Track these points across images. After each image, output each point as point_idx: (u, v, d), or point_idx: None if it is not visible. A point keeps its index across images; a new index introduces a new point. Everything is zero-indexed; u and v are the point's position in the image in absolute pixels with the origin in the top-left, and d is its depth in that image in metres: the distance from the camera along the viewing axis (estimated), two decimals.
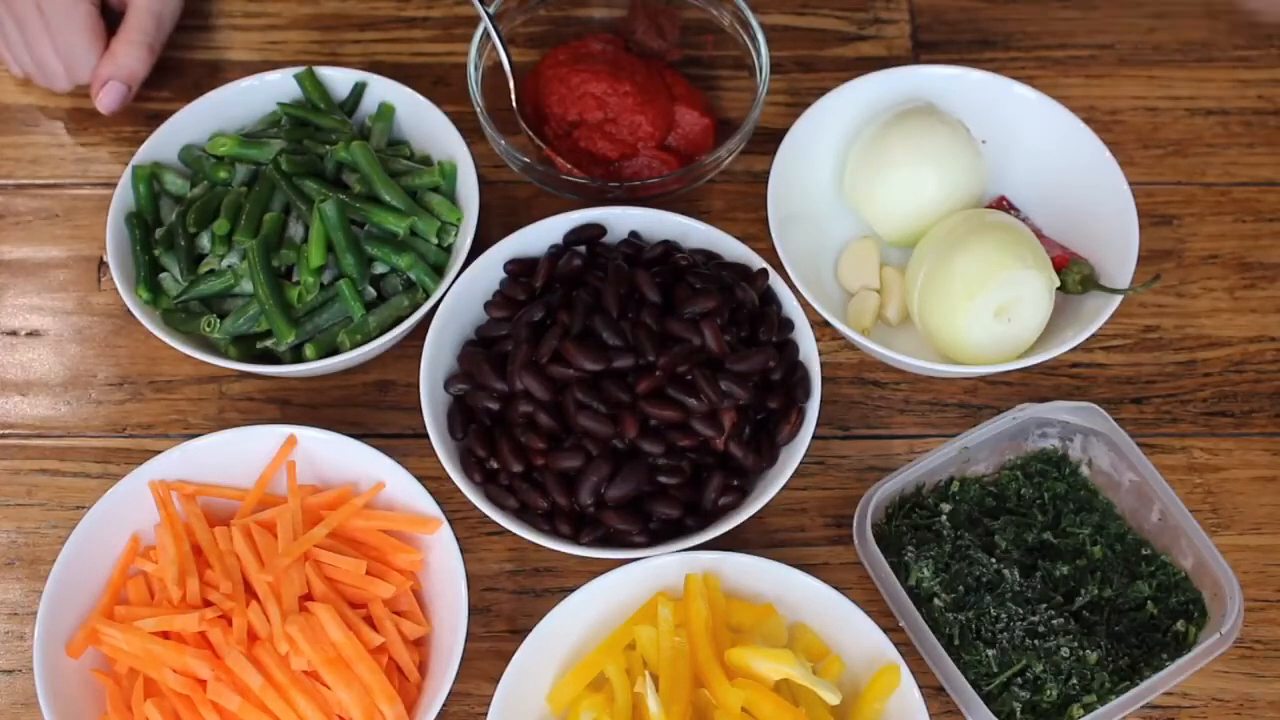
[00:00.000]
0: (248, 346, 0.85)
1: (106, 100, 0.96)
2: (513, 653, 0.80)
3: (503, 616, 0.81)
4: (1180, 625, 0.78)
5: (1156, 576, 0.80)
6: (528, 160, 0.92)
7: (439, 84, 0.99)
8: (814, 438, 0.79)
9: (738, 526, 0.77)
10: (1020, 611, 0.77)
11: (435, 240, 0.87)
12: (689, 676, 0.72)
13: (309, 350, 0.84)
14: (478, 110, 0.92)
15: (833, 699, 0.71)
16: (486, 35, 0.94)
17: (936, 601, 0.78)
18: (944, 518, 0.81)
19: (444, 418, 0.81)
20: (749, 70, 0.96)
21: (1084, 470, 0.84)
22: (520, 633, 0.81)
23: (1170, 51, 1.03)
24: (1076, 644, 0.76)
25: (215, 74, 1.01)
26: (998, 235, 0.83)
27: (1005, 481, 0.83)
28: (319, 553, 0.76)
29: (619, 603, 0.76)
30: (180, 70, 1.02)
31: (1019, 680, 0.76)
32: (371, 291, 0.86)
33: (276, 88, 0.94)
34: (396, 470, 0.79)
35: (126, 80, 0.96)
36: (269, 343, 0.85)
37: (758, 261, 0.85)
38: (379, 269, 0.86)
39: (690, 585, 0.74)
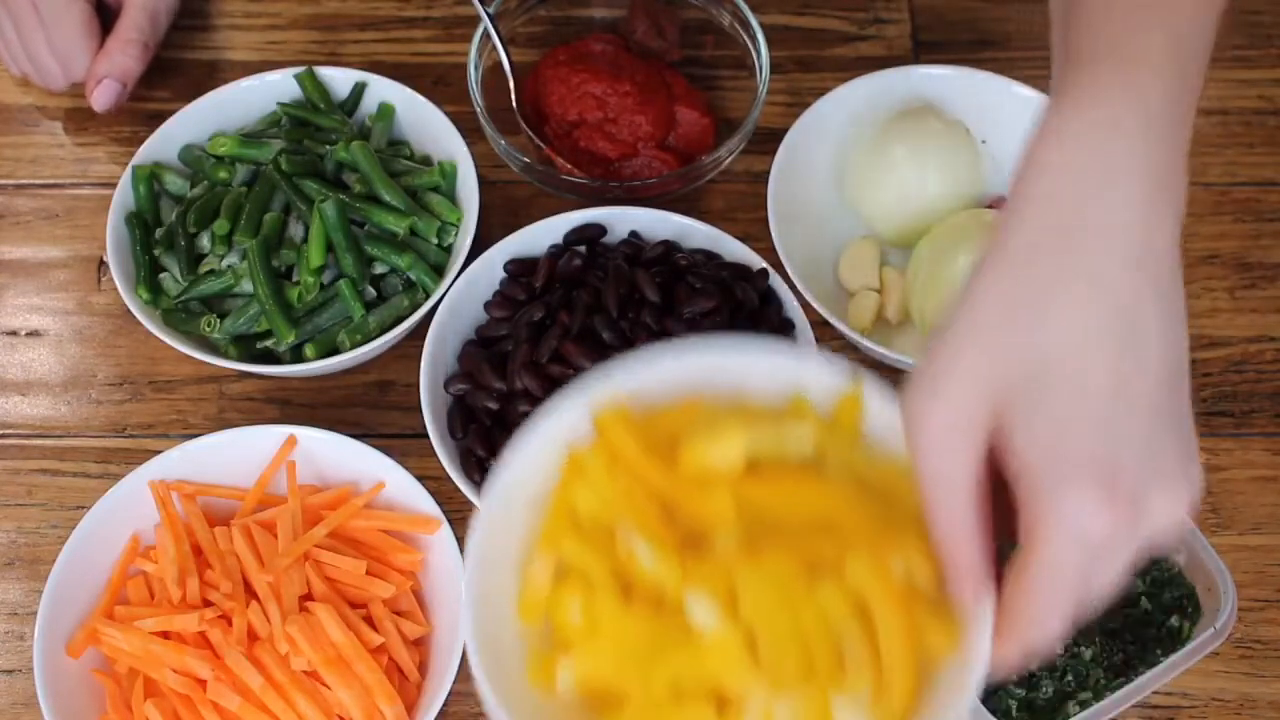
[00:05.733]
0: (248, 346, 0.85)
1: (101, 98, 0.95)
2: None
3: None
4: (1174, 620, 0.78)
5: (1150, 572, 0.80)
6: (528, 160, 0.92)
7: (439, 84, 0.99)
8: None
9: None
10: None
11: (435, 240, 0.87)
12: (657, 510, 0.58)
13: (309, 350, 0.84)
14: (478, 110, 0.92)
15: (804, 439, 0.58)
16: (486, 35, 0.94)
17: None
18: None
19: (444, 418, 0.81)
20: (749, 70, 0.96)
21: None
22: None
23: None
24: (1071, 641, 0.76)
25: (215, 74, 1.01)
26: None
27: None
28: (319, 553, 0.77)
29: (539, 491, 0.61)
30: (180, 70, 1.02)
31: (1014, 678, 0.76)
32: (371, 291, 0.86)
33: (276, 88, 0.94)
34: (396, 470, 0.79)
35: (121, 78, 0.95)
36: (269, 343, 0.85)
37: (758, 261, 0.85)
38: (379, 269, 0.86)
39: (600, 424, 0.60)
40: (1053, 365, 0.47)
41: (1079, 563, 0.47)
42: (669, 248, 0.85)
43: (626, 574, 0.56)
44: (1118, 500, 0.46)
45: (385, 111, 0.93)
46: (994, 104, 0.92)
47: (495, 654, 0.56)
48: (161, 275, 0.87)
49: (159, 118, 0.92)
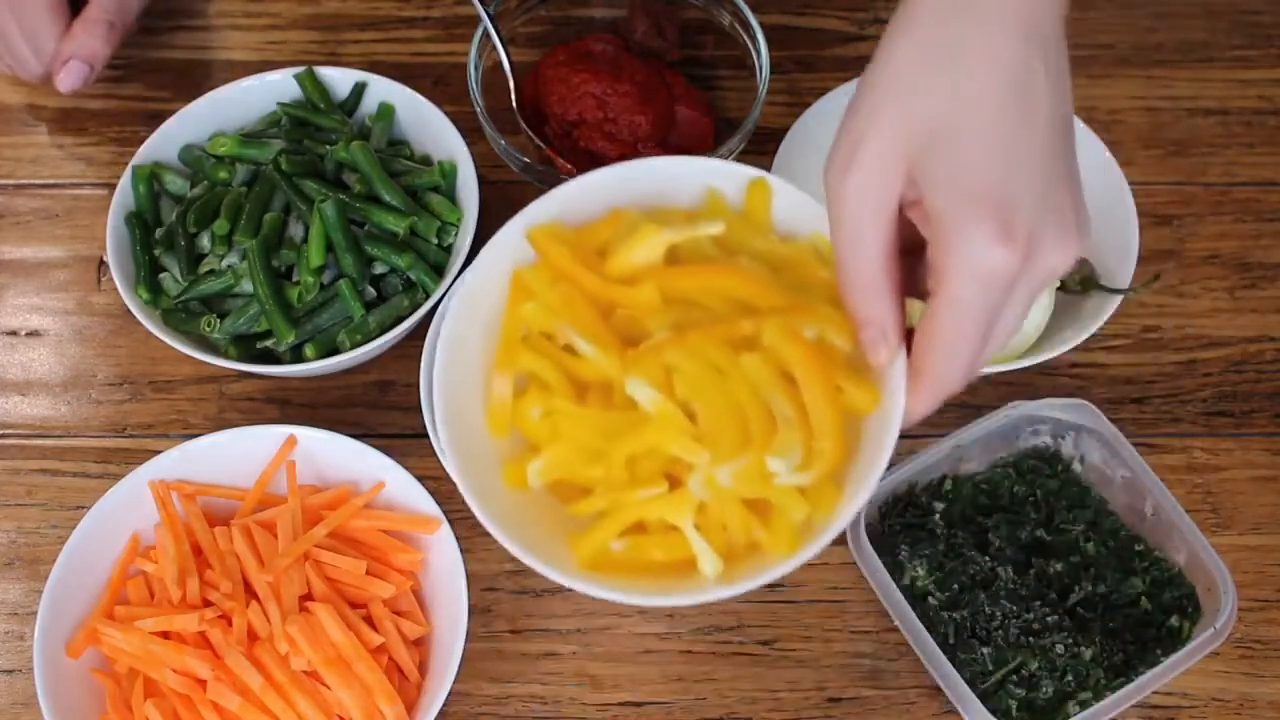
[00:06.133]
0: (248, 346, 0.85)
1: (66, 80, 0.93)
2: (513, 653, 0.80)
3: (503, 616, 0.82)
4: (1174, 620, 0.78)
5: (1150, 572, 0.80)
6: (528, 160, 0.92)
7: (439, 84, 0.99)
8: None
9: None
10: (1015, 609, 0.77)
11: (435, 240, 0.87)
12: (595, 312, 0.63)
13: (309, 350, 0.84)
14: (478, 110, 0.92)
15: (714, 228, 0.63)
16: (486, 35, 0.94)
17: (931, 600, 0.78)
18: (937, 516, 0.81)
19: None
20: (749, 70, 0.96)
21: (1076, 467, 0.84)
22: (520, 632, 0.81)
23: (1170, 51, 1.03)
24: (1071, 641, 0.76)
25: (215, 74, 1.01)
26: None
27: (998, 479, 0.83)
28: (319, 553, 0.77)
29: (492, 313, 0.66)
30: (180, 70, 1.02)
31: (1014, 678, 0.76)
32: (371, 291, 0.86)
33: (276, 88, 0.94)
34: (396, 470, 0.79)
35: (88, 59, 0.94)
36: (269, 343, 0.85)
37: None
38: (379, 269, 0.86)
39: (536, 243, 0.65)
40: (954, 123, 0.53)
41: (982, 298, 0.53)
42: None
43: (578, 376, 0.62)
44: (1014, 236, 0.52)
45: (385, 111, 0.93)
46: None
47: (472, 466, 0.62)
48: (161, 275, 0.87)
49: (159, 118, 0.92)
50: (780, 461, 0.57)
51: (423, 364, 0.81)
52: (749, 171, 0.64)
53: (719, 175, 0.65)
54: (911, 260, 0.57)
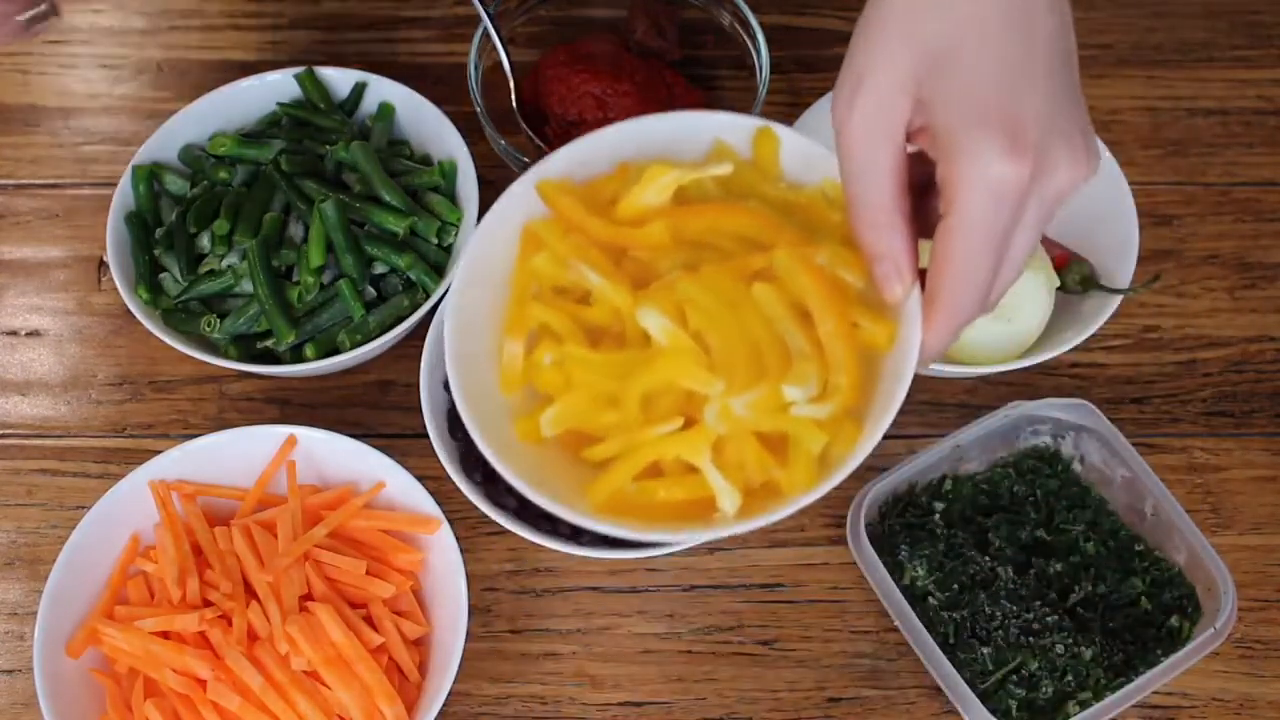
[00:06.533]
0: (248, 346, 0.85)
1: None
2: (513, 653, 0.80)
3: (503, 616, 0.82)
4: (1174, 620, 0.78)
5: (1150, 572, 0.80)
6: (528, 160, 0.91)
7: (439, 84, 0.99)
8: None
9: None
10: (1015, 609, 0.77)
11: (435, 240, 0.87)
12: (606, 258, 0.62)
13: (309, 350, 0.84)
14: (478, 110, 0.92)
15: (723, 169, 0.63)
16: (486, 35, 0.94)
17: (931, 600, 0.78)
18: (937, 516, 0.81)
19: (444, 418, 0.81)
20: (749, 70, 0.96)
21: (1076, 467, 0.84)
22: (520, 632, 0.81)
23: (1170, 51, 1.03)
24: (1071, 641, 0.76)
25: (215, 74, 1.01)
26: None
27: (998, 479, 0.83)
28: (319, 553, 0.77)
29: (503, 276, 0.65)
30: (180, 70, 1.02)
31: (1014, 678, 0.76)
32: (371, 291, 0.86)
33: (276, 88, 0.94)
34: (396, 470, 0.79)
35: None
36: (269, 343, 0.85)
37: None
38: (379, 269, 0.86)
39: (545, 196, 0.64)
40: (958, 45, 0.53)
41: (993, 213, 0.52)
42: None
43: (590, 325, 0.61)
44: (1023, 149, 0.51)
45: (385, 111, 0.93)
46: None
47: (488, 423, 0.61)
48: (161, 275, 0.87)
49: (159, 118, 0.92)
50: (797, 389, 0.56)
51: (423, 363, 0.81)
52: (756, 122, 0.64)
53: (726, 128, 0.64)
54: (922, 201, 0.56)
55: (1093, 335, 0.83)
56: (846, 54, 0.56)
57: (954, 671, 0.74)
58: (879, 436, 0.56)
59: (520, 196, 0.64)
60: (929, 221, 0.55)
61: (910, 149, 0.55)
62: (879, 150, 0.54)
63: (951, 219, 0.53)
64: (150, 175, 0.90)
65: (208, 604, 0.75)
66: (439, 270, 0.87)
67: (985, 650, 0.76)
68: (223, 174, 0.89)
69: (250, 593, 0.76)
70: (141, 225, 0.88)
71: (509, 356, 0.62)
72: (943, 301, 0.54)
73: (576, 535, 0.78)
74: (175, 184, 0.90)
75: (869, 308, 0.58)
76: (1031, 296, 0.82)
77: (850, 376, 0.57)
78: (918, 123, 0.54)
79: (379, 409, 0.89)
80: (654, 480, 0.59)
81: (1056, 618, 0.77)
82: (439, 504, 0.78)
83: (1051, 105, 0.53)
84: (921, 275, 0.56)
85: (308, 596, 0.76)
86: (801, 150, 0.63)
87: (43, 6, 0.85)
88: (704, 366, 0.57)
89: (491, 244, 0.64)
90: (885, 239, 0.55)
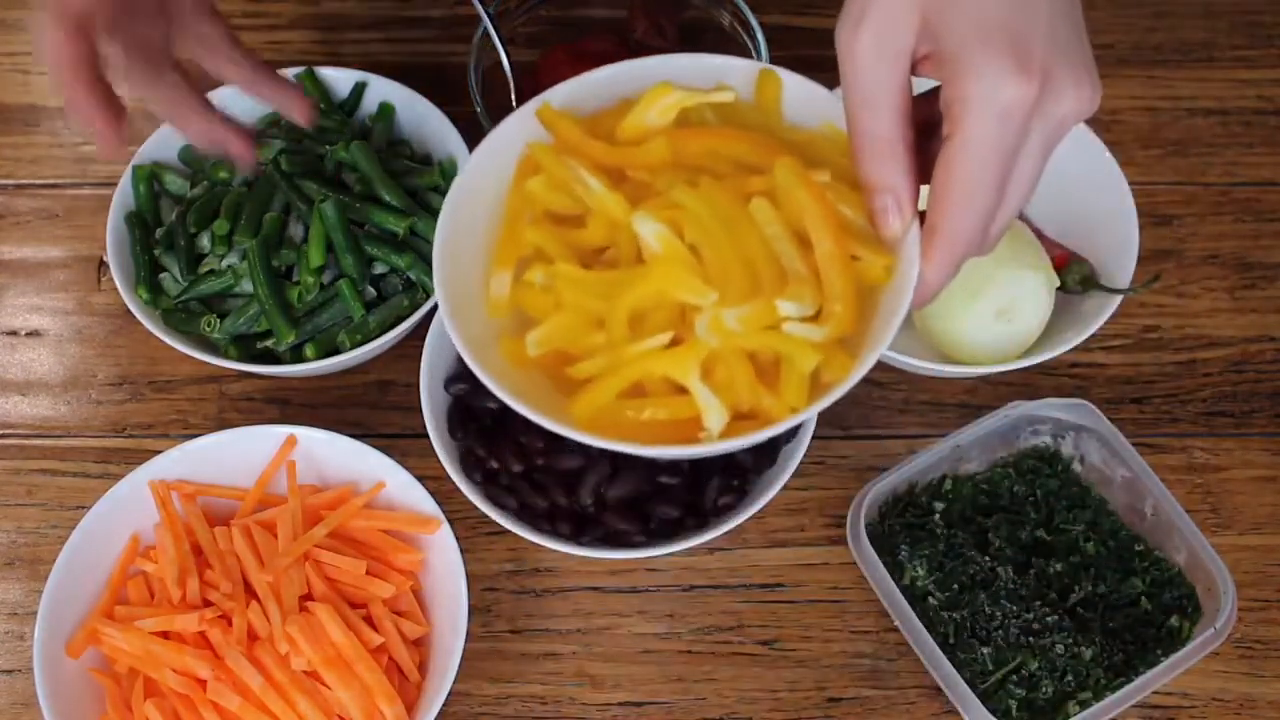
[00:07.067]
0: (248, 346, 0.85)
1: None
2: (513, 653, 0.80)
3: (503, 616, 0.82)
4: (1174, 620, 0.78)
5: (1150, 572, 0.80)
6: None
7: (439, 84, 0.99)
8: (814, 438, 0.79)
9: (737, 526, 0.78)
10: (1015, 609, 0.77)
11: None
12: (605, 177, 0.61)
13: (309, 350, 0.84)
14: (478, 110, 0.92)
15: (725, 95, 0.62)
16: (486, 35, 0.94)
17: (931, 600, 0.78)
18: (937, 516, 0.81)
19: (444, 418, 0.81)
20: None
21: (1076, 467, 0.84)
22: (520, 632, 0.81)
23: (1170, 51, 1.03)
24: (1071, 641, 0.76)
25: None
26: None
27: (998, 479, 0.83)
28: (319, 553, 0.77)
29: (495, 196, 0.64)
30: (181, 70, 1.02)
31: (1014, 678, 0.76)
32: (371, 291, 0.86)
33: None
34: (396, 470, 0.79)
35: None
36: (269, 343, 0.85)
37: None
38: (379, 269, 0.86)
39: (545, 120, 0.63)
40: None
41: (998, 133, 0.51)
42: None
43: (583, 247, 0.60)
44: (1030, 70, 0.51)
45: (385, 111, 0.93)
46: None
47: (477, 346, 0.60)
48: (161, 275, 0.87)
49: (159, 118, 0.92)
50: (791, 306, 0.55)
51: (423, 363, 0.81)
52: (759, 65, 0.63)
53: (730, 71, 0.63)
54: (922, 144, 0.55)
55: (1093, 335, 0.83)
56: None
57: (954, 671, 0.74)
58: (870, 365, 0.55)
59: (515, 128, 0.63)
60: (928, 164, 0.55)
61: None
62: (885, 74, 0.53)
63: (955, 140, 0.52)
64: (150, 175, 0.90)
65: (208, 604, 0.75)
66: None
67: (985, 650, 0.76)
68: (223, 174, 0.89)
69: (250, 593, 0.76)
70: (141, 225, 0.88)
71: (498, 280, 0.62)
72: (943, 230, 0.54)
73: (576, 535, 0.78)
74: (175, 184, 0.90)
75: (867, 242, 0.57)
76: (1031, 296, 0.82)
77: (845, 304, 0.56)
78: (923, 49, 0.53)
79: (379, 409, 0.89)
80: (639, 399, 0.58)
81: (1056, 618, 0.77)
82: (439, 504, 0.78)
83: (1058, 31, 0.52)
84: (920, 218, 0.55)
85: (308, 596, 0.76)
86: (804, 93, 0.62)
87: (233, 148, 0.79)
88: (698, 276, 0.56)
89: (483, 174, 0.63)
90: (888, 170, 0.54)
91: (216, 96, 0.93)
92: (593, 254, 0.61)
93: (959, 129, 0.52)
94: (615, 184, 0.60)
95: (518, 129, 0.63)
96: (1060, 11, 0.53)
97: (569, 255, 0.60)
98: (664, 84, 0.61)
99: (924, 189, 0.56)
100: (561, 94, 0.63)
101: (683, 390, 0.57)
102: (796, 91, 0.62)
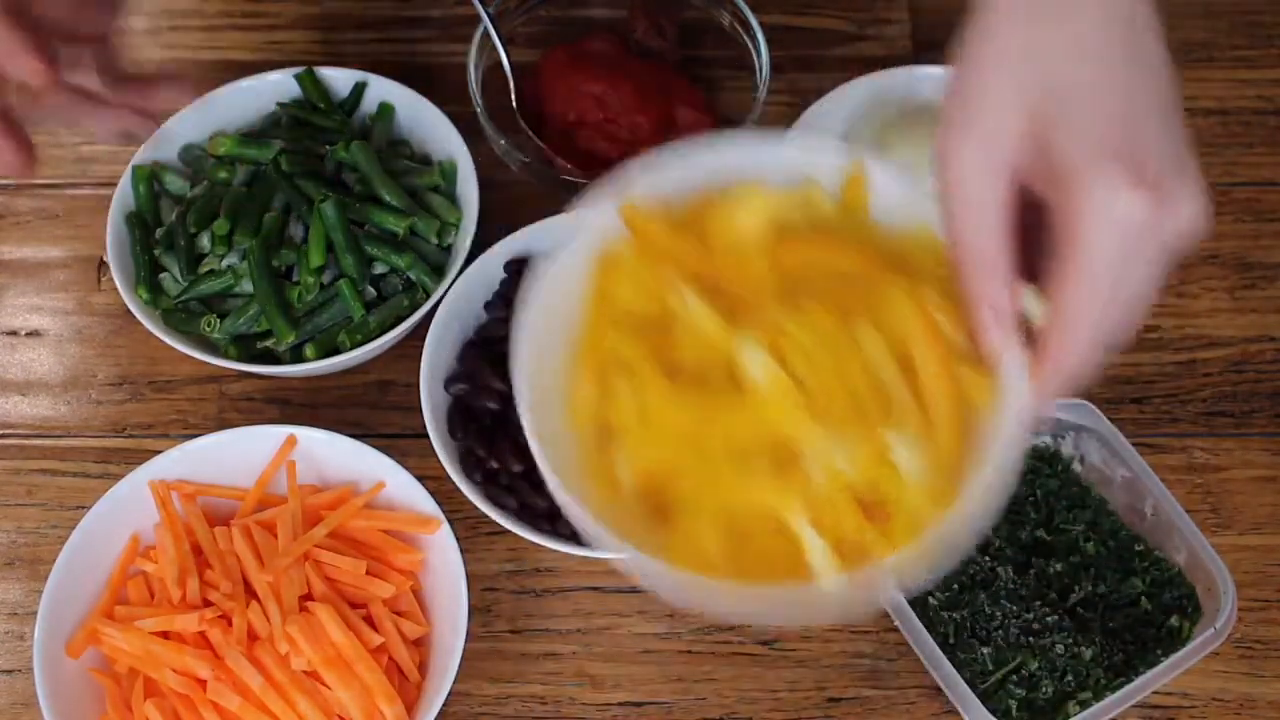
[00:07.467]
0: (248, 346, 0.85)
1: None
2: (513, 653, 0.80)
3: (503, 616, 0.82)
4: (1174, 620, 0.78)
5: (1150, 572, 0.80)
6: (528, 160, 0.92)
7: (439, 84, 0.99)
8: None
9: None
10: (1015, 609, 0.77)
11: (435, 240, 0.87)
12: (699, 286, 0.58)
13: (309, 350, 0.84)
14: (478, 110, 0.92)
15: (817, 193, 0.60)
16: (486, 35, 0.94)
17: (931, 600, 0.78)
18: None
19: (444, 418, 0.81)
20: (749, 70, 0.96)
21: (1076, 467, 0.84)
22: (520, 632, 0.81)
23: (1170, 51, 1.03)
24: (1071, 641, 0.76)
25: (215, 74, 1.01)
26: None
27: None
28: (319, 553, 0.77)
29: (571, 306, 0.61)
30: (180, 70, 1.02)
31: (1014, 678, 0.76)
32: (371, 291, 0.86)
33: (276, 88, 0.94)
34: (396, 470, 0.79)
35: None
36: (269, 343, 0.85)
37: None
38: (379, 269, 0.86)
39: (629, 218, 0.60)
40: (1078, 78, 0.51)
41: (1116, 248, 0.49)
42: None
43: (670, 359, 0.57)
44: (1145, 184, 0.49)
45: (385, 111, 0.93)
46: None
47: (561, 459, 0.56)
48: (161, 275, 0.87)
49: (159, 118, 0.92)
50: (898, 436, 0.53)
51: (423, 363, 0.81)
52: (849, 156, 0.60)
53: (817, 162, 0.60)
54: (1022, 247, 0.54)
55: None
56: (950, 86, 0.55)
57: (954, 671, 0.74)
58: (976, 502, 0.52)
59: (594, 221, 0.60)
60: (1029, 268, 0.53)
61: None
62: (990, 187, 0.52)
63: (1070, 257, 0.50)
64: (150, 175, 0.90)
65: (208, 604, 0.75)
66: (439, 270, 0.87)
67: (985, 650, 0.76)
68: (223, 174, 0.89)
69: (250, 593, 0.76)
70: (141, 225, 0.88)
71: (583, 391, 0.58)
72: (1058, 352, 0.51)
73: (576, 535, 0.78)
74: (175, 184, 0.90)
75: (968, 360, 0.54)
76: (1031, 297, 0.82)
77: (951, 427, 0.53)
78: (1026, 161, 0.52)
79: (379, 409, 0.89)
80: (739, 536, 0.55)
81: (1056, 618, 0.77)
82: (439, 504, 0.78)
83: (1168, 143, 0.51)
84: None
85: (308, 596, 0.76)
86: (894, 189, 0.59)
87: (143, 131, 0.85)
88: (806, 412, 0.53)
89: (565, 274, 0.59)
90: (992, 287, 0.52)
91: (217, 95, 0.93)
92: (680, 367, 0.57)
93: (1073, 245, 0.50)
94: (707, 292, 0.57)
95: (597, 222, 0.60)
96: (1170, 123, 0.52)
97: (655, 364, 0.57)
98: (753, 186, 0.58)
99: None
100: (640, 184, 0.60)
101: (785, 527, 0.54)
102: (887, 187, 0.59)
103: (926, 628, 0.75)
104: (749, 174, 0.60)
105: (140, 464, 0.79)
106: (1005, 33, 0.53)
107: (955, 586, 0.79)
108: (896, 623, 0.77)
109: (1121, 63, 0.52)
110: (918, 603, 0.78)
